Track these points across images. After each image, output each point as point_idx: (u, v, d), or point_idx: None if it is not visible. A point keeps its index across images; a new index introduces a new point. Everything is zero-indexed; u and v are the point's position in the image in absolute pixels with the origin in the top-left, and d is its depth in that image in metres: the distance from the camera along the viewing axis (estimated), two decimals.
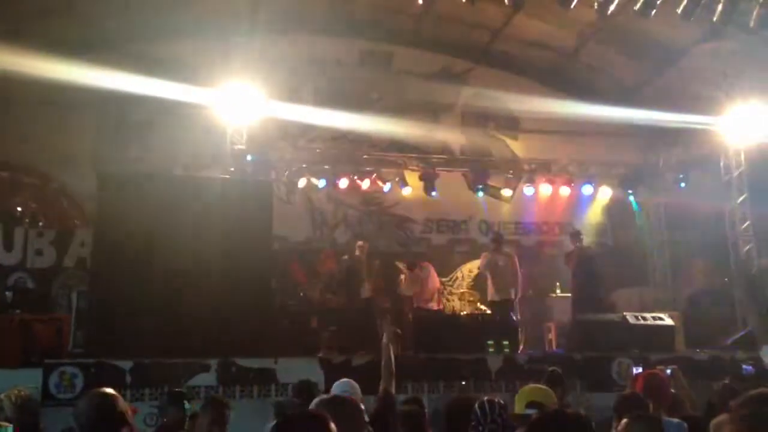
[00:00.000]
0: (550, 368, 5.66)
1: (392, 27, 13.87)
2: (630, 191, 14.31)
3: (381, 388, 5.02)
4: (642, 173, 14.43)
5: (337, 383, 4.77)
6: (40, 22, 11.36)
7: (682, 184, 13.65)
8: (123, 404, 3.01)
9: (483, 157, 14.51)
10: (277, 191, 12.47)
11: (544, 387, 3.95)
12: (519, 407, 3.78)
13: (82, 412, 2.95)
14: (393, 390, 5.08)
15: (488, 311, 11.70)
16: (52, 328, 8.92)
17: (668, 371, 5.19)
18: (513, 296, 11.15)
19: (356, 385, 4.72)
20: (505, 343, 9.72)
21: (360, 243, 11.77)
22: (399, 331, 9.86)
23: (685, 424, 4.23)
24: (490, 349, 9.44)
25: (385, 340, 5.34)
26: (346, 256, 11.56)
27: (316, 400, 3.26)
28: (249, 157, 11.43)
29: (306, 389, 5.91)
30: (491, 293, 11.16)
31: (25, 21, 11.17)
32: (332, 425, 2.40)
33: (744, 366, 7.72)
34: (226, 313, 8.62)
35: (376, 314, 10.68)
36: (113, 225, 8.98)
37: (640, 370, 7.89)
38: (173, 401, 5.46)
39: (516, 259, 11.39)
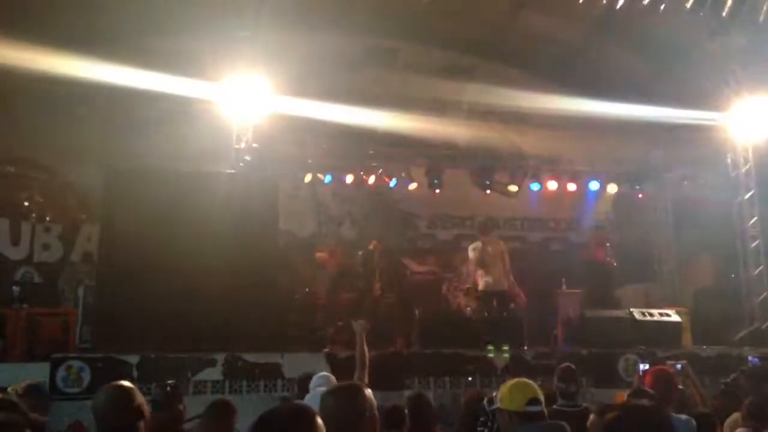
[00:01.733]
0: (564, 364, 5.60)
1: (398, 22, 13.82)
2: (637, 187, 14.25)
3: (355, 378, 5.12)
4: (649, 169, 14.37)
5: (315, 376, 4.93)
6: (48, 17, 11.36)
7: (689, 180, 13.58)
8: (140, 397, 3.01)
9: (489, 152, 14.47)
10: (283, 187, 12.47)
11: (530, 381, 3.76)
12: (516, 403, 3.56)
13: (100, 404, 2.96)
14: (366, 380, 5.19)
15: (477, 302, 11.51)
16: (59, 323, 8.96)
17: (678, 367, 5.15)
18: (506, 286, 11.01)
19: (332, 378, 4.98)
20: (506, 348, 9.68)
21: (374, 242, 11.62)
22: (369, 325, 9.88)
23: (693, 421, 4.20)
24: (489, 354, 9.39)
25: (358, 332, 5.43)
26: (361, 252, 11.54)
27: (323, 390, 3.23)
28: (254, 146, 11.41)
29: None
30: (484, 283, 10.92)
31: (32, 16, 11.17)
32: (318, 420, 2.24)
33: (750, 358, 7.68)
34: (232, 307, 8.63)
35: (383, 312, 10.63)
36: (120, 220, 9.00)
37: (647, 366, 7.86)
38: (172, 395, 5.24)
39: (504, 246, 11.20)
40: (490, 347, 9.46)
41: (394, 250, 13.71)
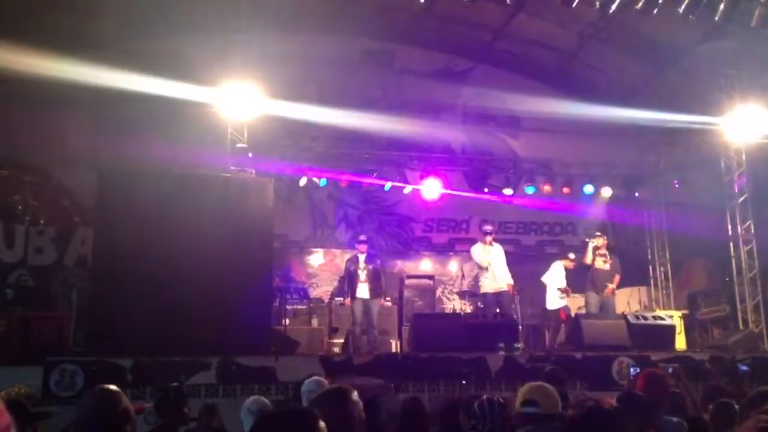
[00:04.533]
0: (549, 367, 5.63)
1: (394, 25, 13.86)
2: (631, 191, 14.28)
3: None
4: (643, 173, 14.41)
5: (307, 381, 4.91)
6: (40, 19, 11.34)
7: (683, 184, 13.60)
8: (126, 401, 3.01)
9: (484, 156, 14.50)
10: (278, 189, 12.46)
11: (545, 385, 3.86)
12: (517, 405, 3.72)
13: (86, 408, 2.95)
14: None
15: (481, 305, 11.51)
16: (53, 326, 8.94)
17: (670, 370, 5.17)
18: (509, 288, 11.09)
19: (324, 382, 4.87)
20: (517, 345, 9.73)
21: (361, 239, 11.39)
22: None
23: (685, 424, 4.22)
24: (501, 352, 9.36)
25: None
26: (348, 255, 11.49)
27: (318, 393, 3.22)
28: (249, 155, 11.42)
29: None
30: (488, 284, 10.96)
31: (24, 18, 11.16)
32: (321, 423, 2.16)
33: (740, 365, 7.70)
34: (226, 311, 8.62)
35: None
36: (113, 223, 8.97)
37: (639, 369, 7.88)
38: (175, 399, 5.28)
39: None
40: (502, 345, 9.44)
41: (387, 252, 13.74)
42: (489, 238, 11.01)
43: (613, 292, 11.41)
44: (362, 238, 11.13)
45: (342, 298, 11.23)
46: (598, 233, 11.85)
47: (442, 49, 14.56)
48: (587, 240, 11.70)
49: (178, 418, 4.81)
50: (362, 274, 10.47)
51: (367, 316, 10.28)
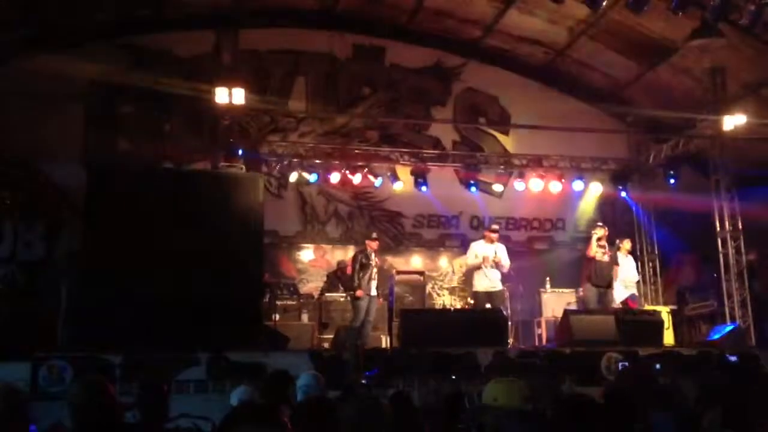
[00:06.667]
0: (544, 363, 5.67)
1: (384, 21, 13.86)
2: (620, 187, 14.33)
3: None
4: (632, 169, 14.47)
5: (303, 375, 4.94)
6: (30, 13, 11.27)
7: (672, 180, 13.68)
8: (112, 389, 3.04)
9: (474, 152, 14.51)
10: (268, 185, 12.45)
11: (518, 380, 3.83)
12: (511, 401, 3.60)
13: (75, 395, 2.97)
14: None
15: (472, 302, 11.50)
16: (42, 322, 8.89)
17: (657, 366, 5.22)
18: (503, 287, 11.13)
19: (320, 377, 4.94)
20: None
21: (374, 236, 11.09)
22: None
23: (673, 419, 4.26)
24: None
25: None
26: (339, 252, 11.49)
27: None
28: (240, 150, 11.40)
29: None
30: (480, 283, 10.96)
31: (14, 11, 11.08)
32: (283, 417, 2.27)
33: (728, 356, 7.78)
34: (216, 307, 8.60)
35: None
36: (103, 218, 8.95)
37: (627, 364, 7.93)
38: (157, 397, 5.23)
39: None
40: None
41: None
42: (493, 236, 11.08)
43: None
44: (374, 235, 11.04)
45: (346, 292, 11.07)
46: (600, 224, 11.80)
47: (433, 46, 14.56)
48: (592, 231, 11.63)
49: (159, 414, 4.82)
50: (374, 272, 10.44)
51: (367, 315, 10.28)
